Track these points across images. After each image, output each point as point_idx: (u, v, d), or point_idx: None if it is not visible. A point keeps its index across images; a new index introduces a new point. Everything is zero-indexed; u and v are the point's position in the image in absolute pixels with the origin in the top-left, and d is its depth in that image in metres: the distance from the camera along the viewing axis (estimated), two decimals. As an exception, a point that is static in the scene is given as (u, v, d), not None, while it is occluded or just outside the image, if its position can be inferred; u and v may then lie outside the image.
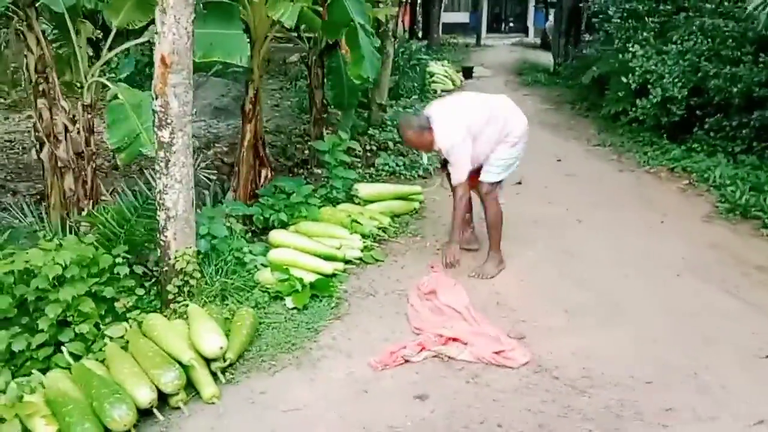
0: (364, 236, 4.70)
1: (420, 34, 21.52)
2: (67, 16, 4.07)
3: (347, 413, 2.95)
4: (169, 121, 3.37)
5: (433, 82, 12.98)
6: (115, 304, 3.40)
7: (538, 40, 26.00)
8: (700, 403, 3.02)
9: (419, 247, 4.83)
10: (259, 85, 5.10)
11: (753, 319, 3.80)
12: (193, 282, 3.63)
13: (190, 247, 3.66)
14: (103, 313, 3.35)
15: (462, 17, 32.76)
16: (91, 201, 4.48)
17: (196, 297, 3.65)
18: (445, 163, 4.48)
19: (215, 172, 5.15)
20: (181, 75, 3.34)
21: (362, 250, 4.52)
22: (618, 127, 8.74)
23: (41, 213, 4.78)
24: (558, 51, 15.10)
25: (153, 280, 3.80)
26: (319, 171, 6.65)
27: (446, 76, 13.67)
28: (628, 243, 4.97)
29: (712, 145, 7.21)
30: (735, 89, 6.97)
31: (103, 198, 4.58)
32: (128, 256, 3.55)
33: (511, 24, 34.93)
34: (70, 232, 4.18)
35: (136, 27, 4.41)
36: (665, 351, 3.48)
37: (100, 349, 3.18)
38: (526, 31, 32.16)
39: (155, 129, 3.41)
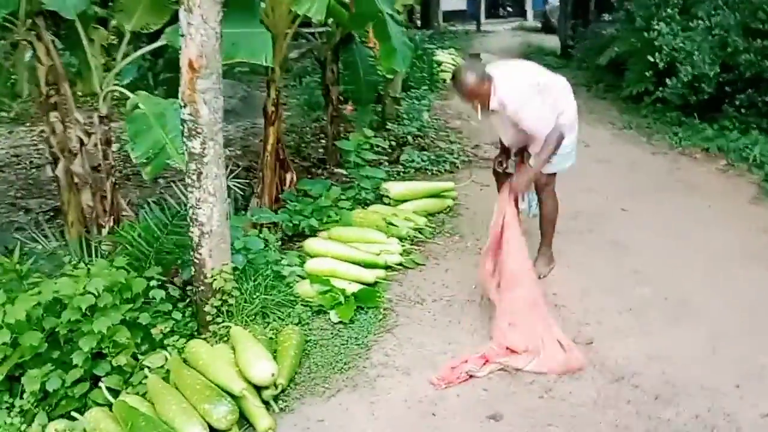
0: (401, 239, 4.45)
1: (419, 23, 21.16)
2: (78, 23, 3.81)
3: (417, 440, 2.70)
4: (199, 130, 3.09)
5: (442, 71, 12.66)
6: (152, 330, 3.14)
7: (538, 24, 25.60)
8: (798, 408, 2.77)
9: (460, 248, 4.56)
10: (282, 85, 4.82)
11: (831, 310, 3.55)
12: (231, 301, 3.38)
13: (227, 264, 3.40)
14: (138, 341, 3.10)
15: (460, 4, 32.29)
16: (112, 217, 4.24)
17: (236, 317, 3.39)
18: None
19: (245, 181, 4.87)
20: (211, 79, 3.06)
21: (402, 255, 4.26)
22: (641, 108, 8.45)
23: (57, 231, 4.55)
24: (564, 33, 14.76)
25: (187, 301, 3.54)
26: (341, 170, 6.39)
27: (454, 65, 13.36)
28: (677, 231, 4.70)
29: (745, 122, 6.93)
30: (767, 63, 6.69)
31: (124, 214, 4.33)
32: (162, 278, 3.30)
33: (509, 9, 34.50)
34: (91, 252, 3.94)
35: (151, 30, 4.14)
36: (746, 350, 3.22)
37: (140, 382, 2.93)
38: (524, 15, 31.75)
39: (184, 139, 3.14)
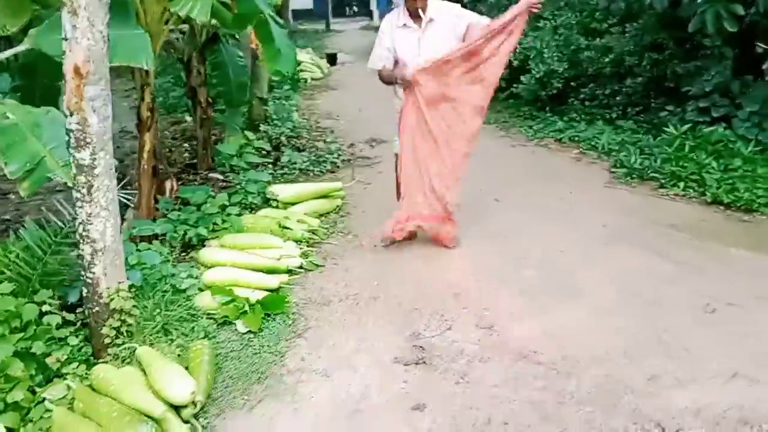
0: (297, 242, 4.43)
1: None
2: None
3: (348, 439, 2.73)
4: (88, 140, 2.88)
5: (301, 71, 12.64)
6: (47, 360, 2.88)
7: (386, 23, 26.17)
8: (677, 367, 3.14)
9: (355, 246, 4.63)
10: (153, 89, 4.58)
11: (688, 278, 4.05)
12: (131, 321, 3.17)
13: (123, 282, 3.19)
14: (33, 372, 2.82)
15: (306, 3, 32.31)
16: (-26, 240, 3.80)
17: (137, 336, 3.19)
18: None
19: (134, 191, 4.56)
20: (99, 86, 2.86)
21: (301, 257, 4.24)
22: (496, 104, 9.01)
23: None
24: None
25: (77, 325, 3.26)
26: (217, 175, 6.20)
27: (313, 64, 13.41)
28: (548, 217, 5.11)
29: (590, 114, 7.67)
30: (606, 59, 7.46)
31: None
32: (54, 302, 3.03)
33: (355, 8, 35.07)
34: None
35: (9, 32, 3.76)
36: (625, 320, 3.59)
37: (41, 417, 2.68)
38: (370, 15, 32.39)
39: (72, 151, 2.90)
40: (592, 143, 6.86)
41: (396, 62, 4.27)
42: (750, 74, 6.20)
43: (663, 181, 5.66)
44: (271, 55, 4.40)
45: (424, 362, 3.23)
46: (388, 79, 4.30)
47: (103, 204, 3.01)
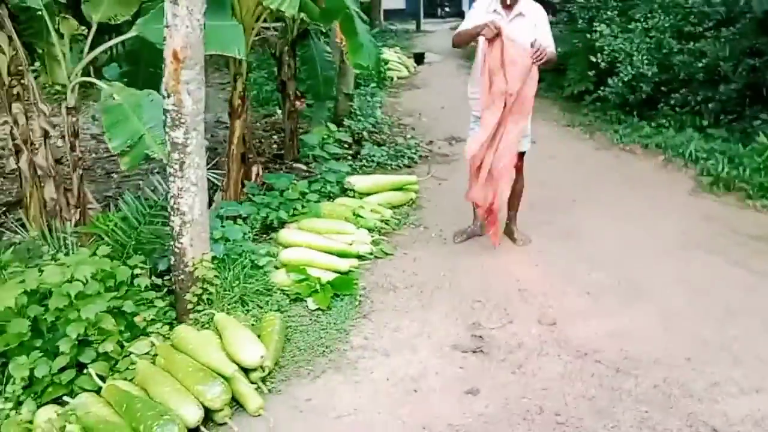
0: (369, 230, 4.60)
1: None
2: (45, 13, 3.77)
3: (403, 414, 2.85)
4: (182, 120, 3.15)
5: (389, 69, 12.85)
6: (135, 318, 3.18)
7: (478, 24, 26.06)
8: (742, 375, 3.08)
9: (426, 238, 4.75)
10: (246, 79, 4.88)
11: (764, 288, 3.91)
12: (212, 289, 3.44)
13: (207, 253, 3.46)
14: (122, 329, 3.12)
15: (398, 3, 32.62)
16: (78, 210, 4.20)
17: (216, 304, 3.46)
18: None
19: (221, 171, 4.89)
20: (195, 70, 3.13)
21: (371, 245, 4.40)
22: (582, 107, 8.88)
23: (18, 225, 4.45)
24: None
25: (165, 291, 3.57)
26: (300, 165, 6.48)
27: (400, 63, 13.58)
28: (626, 221, 5.04)
29: (680, 121, 7.41)
30: (699, 64, 7.18)
31: (90, 206, 4.30)
32: (145, 266, 3.33)
33: (447, 9, 35.02)
34: (56, 245, 3.90)
35: (118, 21, 4.13)
36: (693, 326, 3.53)
37: (126, 368, 2.97)
38: (462, 15, 32.21)
39: (167, 129, 3.19)
40: (680, 150, 6.63)
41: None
42: None
43: (750, 191, 5.43)
44: (354, 49, 4.59)
45: (482, 351, 3.31)
46: (468, 35, 4.13)
47: (193, 180, 3.28)
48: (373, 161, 6.36)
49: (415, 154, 6.76)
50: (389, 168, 6.37)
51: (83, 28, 4.06)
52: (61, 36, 3.97)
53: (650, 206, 5.39)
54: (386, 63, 13.07)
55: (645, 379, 3.07)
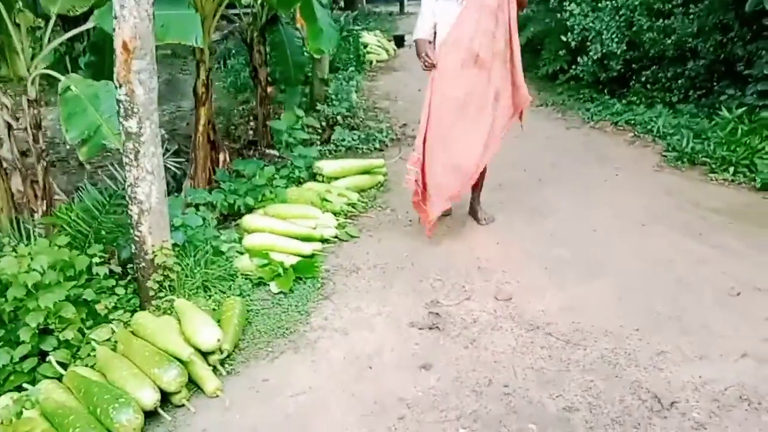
0: (335, 214, 4.66)
1: (343, 4, 21.15)
2: (1, 5, 3.78)
3: (356, 391, 2.94)
4: (135, 110, 3.19)
5: (368, 52, 12.84)
6: (96, 306, 3.24)
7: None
8: (688, 344, 3.18)
9: (391, 220, 4.82)
10: (210, 65, 4.90)
11: (720, 260, 4.01)
12: (173, 276, 3.50)
13: (167, 240, 3.52)
14: (84, 317, 3.19)
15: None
16: (45, 201, 4.24)
17: (178, 291, 3.52)
18: None
19: (176, 163, 4.94)
20: (145, 60, 3.16)
21: (337, 228, 4.47)
22: (557, 86, 8.94)
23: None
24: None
25: (128, 279, 3.63)
26: (273, 151, 6.52)
27: (380, 46, 13.56)
28: (590, 198, 5.12)
29: (650, 97, 7.48)
30: (668, 41, 7.24)
31: (56, 198, 4.34)
32: (104, 255, 3.39)
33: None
34: (23, 236, 3.95)
35: (77, 13, 4.15)
36: (646, 298, 3.62)
37: (88, 355, 3.05)
38: (447, -4, 32.05)
39: (121, 119, 3.23)
40: (649, 126, 6.72)
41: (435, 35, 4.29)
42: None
43: (713, 165, 5.52)
44: (313, 34, 4.63)
45: (437, 327, 3.40)
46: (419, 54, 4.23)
47: (148, 168, 3.33)
48: (343, 145, 6.42)
49: (386, 137, 6.80)
50: (360, 152, 6.42)
51: (40, 20, 4.08)
52: (18, 28, 3.99)
53: (616, 183, 5.48)
54: (365, 46, 13.07)
55: (593, 350, 3.17)
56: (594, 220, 4.69)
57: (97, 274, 3.29)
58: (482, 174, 4.57)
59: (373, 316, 3.54)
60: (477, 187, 4.66)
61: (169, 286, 3.51)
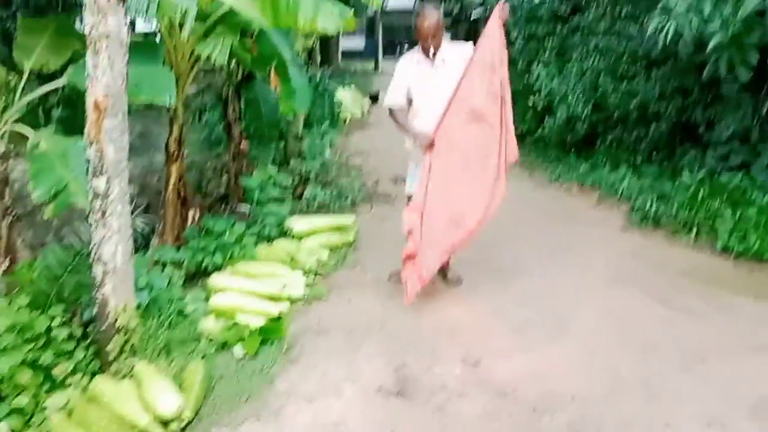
0: (305, 272, 4.63)
1: (319, 61, 21.58)
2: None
3: (321, 461, 2.87)
4: (104, 168, 3.17)
5: (343, 109, 13.03)
6: (53, 370, 3.14)
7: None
8: (654, 411, 3.18)
9: (362, 279, 4.81)
10: (184, 122, 4.92)
11: (684, 323, 4.07)
12: (135, 338, 3.41)
13: (131, 301, 3.45)
14: (41, 381, 3.08)
15: (358, 44, 33.25)
16: (8, 258, 4.15)
17: (140, 354, 3.43)
18: None
19: (144, 219, 4.89)
20: (117, 119, 3.17)
21: (306, 287, 4.44)
22: (525, 147, 9.09)
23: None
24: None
25: (89, 341, 3.53)
26: (244, 207, 6.49)
27: (355, 102, 13.79)
28: (557, 258, 5.18)
29: (615, 159, 7.69)
30: (632, 104, 7.50)
31: (20, 255, 4.25)
32: (66, 316, 3.30)
33: (406, 49, 35.77)
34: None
35: (50, 69, 4.16)
36: (613, 362, 3.64)
37: (42, 423, 2.93)
38: (421, 54, 32.89)
39: (89, 178, 3.20)
40: (614, 187, 6.88)
41: (410, 102, 4.38)
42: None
43: (677, 227, 5.66)
44: (287, 94, 4.69)
45: (405, 393, 3.35)
46: (400, 127, 4.36)
47: (115, 228, 3.29)
48: (315, 202, 6.43)
49: (358, 194, 6.85)
50: (332, 208, 6.44)
51: (12, 75, 4.08)
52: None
53: (582, 243, 5.56)
54: (340, 104, 13.27)
55: (560, 416, 3.15)
56: (561, 280, 4.73)
57: (56, 336, 3.19)
58: None
59: (340, 381, 3.48)
60: None
61: (131, 348, 3.42)
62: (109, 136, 3.18)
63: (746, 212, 5.37)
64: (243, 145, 6.91)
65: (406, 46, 35.25)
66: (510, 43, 9.29)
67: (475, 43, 4.18)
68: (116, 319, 3.35)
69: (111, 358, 3.35)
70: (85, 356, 3.38)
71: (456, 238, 4.23)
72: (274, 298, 4.16)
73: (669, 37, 5.35)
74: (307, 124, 10.55)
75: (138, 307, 3.54)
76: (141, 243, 5.27)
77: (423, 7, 4.16)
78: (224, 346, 3.74)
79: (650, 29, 5.56)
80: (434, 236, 4.18)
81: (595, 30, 8.36)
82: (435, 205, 4.17)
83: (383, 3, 16.55)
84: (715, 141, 6.29)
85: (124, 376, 3.28)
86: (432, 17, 4.08)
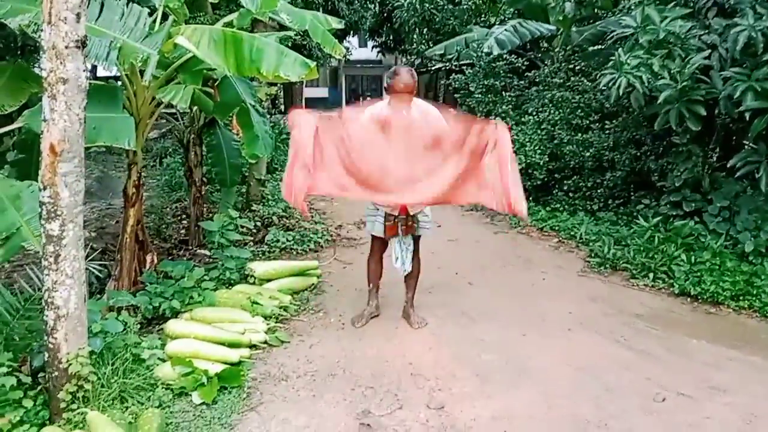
0: (266, 318, 4.56)
1: (283, 108, 21.75)
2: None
3: None
4: (59, 212, 3.10)
5: (305, 155, 13.06)
6: (-1, 421, 2.99)
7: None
8: (617, 453, 3.19)
9: (324, 324, 4.75)
10: (143, 166, 4.87)
11: (644, 366, 4.11)
12: (88, 386, 3.29)
13: (84, 348, 3.33)
14: (-16, 433, 2.93)
15: (321, 92, 33.76)
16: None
17: (93, 402, 3.30)
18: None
19: (101, 263, 4.77)
20: (73, 163, 3.11)
21: (267, 333, 4.36)
22: (486, 192, 9.29)
23: None
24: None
25: (38, 389, 3.38)
26: (204, 251, 6.41)
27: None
28: (518, 302, 5.23)
29: (573, 205, 7.90)
30: (587, 153, 7.77)
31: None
32: (13, 364, 3.16)
33: (369, 97, 36.47)
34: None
35: (5, 112, 4.10)
36: (574, 406, 3.64)
37: (-16, 478, 2.77)
38: (384, 103, 33.51)
39: (42, 221, 3.12)
40: (572, 233, 7.05)
41: None
42: (722, 171, 6.45)
43: (634, 271, 5.79)
44: (249, 140, 4.71)
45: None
46: None
47: (68, 273, 3.20)
48: (276, 246, 6.39)
49: (321, 238, 6.83)
50: (295, 253, 6.40)
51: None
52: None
53: (543, 287, 5.63)
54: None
55: (525, 462, 3.13)
56: (522, 324, 4.76)
57: (3, 385, 3.05)
58: (414, 276, 4.62)
59: (302, 429, 3.39)
60: (409, 289, 4.70)
61: (83, 397, 3.28)
62: (64, 180, 3.11)
63: (700, 256, 5.54)
64: (203, 190, 6.87)
65: (369, 96, 36.15)
66: (469, 95, 9.61)
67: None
68: (68, 367, 3.23)
69: (62, 407, 3.22)
70: (34, 405, 3.24)
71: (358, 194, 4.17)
72: (233, 344, 4.07)
73: (621, 90, 5.59)
74: (270, 169, 10.57)
75: (91, 353, 3.41)
76: (97, 288, 5.13)
77: (403, 69, 4.26)
78: (181, 393, 3.62)
79: (603, 83, 5.79)
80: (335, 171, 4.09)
81: (551, 84, 8.69)
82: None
83: (346, 54, 16.94)
84: (669, 188, 6.51)
85: (75, 426, 3.15)
86: (408, 77, 4.16)
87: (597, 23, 8.87)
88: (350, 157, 4.07)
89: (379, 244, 4.65)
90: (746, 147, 6.12)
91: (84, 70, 3.14)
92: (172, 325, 4.21)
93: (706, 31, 5.86)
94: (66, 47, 3.02)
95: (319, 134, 4.01)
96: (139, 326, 4.30)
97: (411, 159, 4.12)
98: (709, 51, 5.64)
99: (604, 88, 5.94)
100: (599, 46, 8.08)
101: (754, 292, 5.11)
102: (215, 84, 4.63)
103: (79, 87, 3.07)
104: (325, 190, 4.22)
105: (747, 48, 5.21)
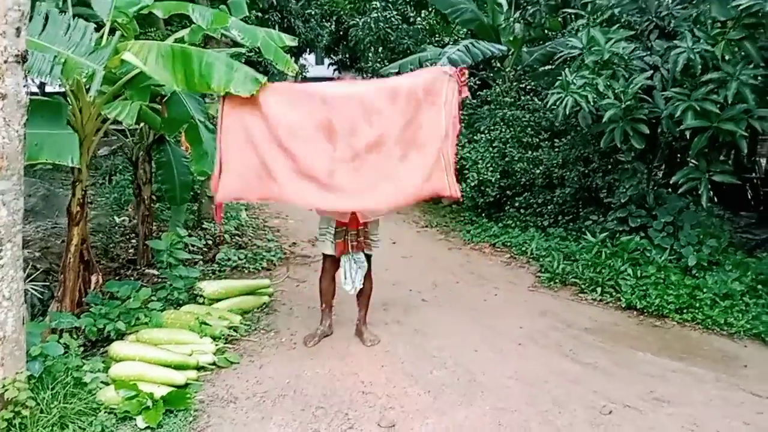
0: (215, 338, 4.47)
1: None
2: None
3: None
4: (-5, 232, 3.00)
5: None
6: (-74, 452, 2.84)
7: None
8: (565, 467, 3.23)
9: (275, 343, 4.68)
10: (89, 184, 4.74)
11: (591, 379, 4.19)
12: (25, 412, 3.16)
13: (21, 372, 3.21)
14: None
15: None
16: None
17: (30, 429, 3.18)
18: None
19: (44, 284, 4.61)
20: (11, 181, 3.02)
21: (215, 354, 4.27)
22: (440, 209, 9.42)
23: None
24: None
25: (-28, 417, 3.24)
26: (153, 271, 6.27)
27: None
28: (470, 317, 5.27)
29: (524, 221, 8.03)
30: (537, 171, 7.92)
31: None
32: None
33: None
34: None
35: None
36: (524, 420, 3.68)
37: None
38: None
39: (-22, 242, 3.01)
40: (523, 248, 7.16)
41: None
42: (666, 188, 6.66)
43: (583, 286, 5.91)
44: (198, 157, 4.64)
45: None
46: None
47: (6, 294, 3.09)
48: (228, 265, 6.30)
49: (274, 256, 6.77)
50: (247, 271, 6.32)
51: None
52: None
53: (494, 303, 5.69)
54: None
55: (475, 478, 3.13)
56: (474, 340, 4.79)
57: (-69, 415, 2.91)
58: (367, 294, 4.62)
59: (250, 451, 3.34)
60: (362, 307, 4.69)
61: (20, 423, 3.16)
62: (2, 199, 3.03)
63: (646, 271, 5.69)
64: (152, 208, 6.73)
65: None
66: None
67: None
68: (4, 392, 3.11)
69: (-4, 436, 3.09)
70: (-35, 435, 3.10)
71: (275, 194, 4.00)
72: (180, 366, 3.98)
73: (568, 109, 5.73)
74: (223, 188, 10.43)
75: (30, 378, 3.30)
76: (39, 309, 4.95)
77: (344, 75, 4.30)
78: (125, 417, 3.52)
79: (551, 102, 5.93)
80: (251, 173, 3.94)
81: (502, 102, 8.86)
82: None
83: (302, 71, 16.96)
84: (615, 205, 6.68)
85: (9, 456, 3.02)
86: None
87: (546, 44, 9.09)
88: (277, 136, 3.85)
89: (331, 263, 4.63)
90: (689, 164, 6.34)
91: (24, 86, 3.07)
92: (116, 348, 4.09)
93: (649, 52, 6.07)
94: (5, 62, 2.94)
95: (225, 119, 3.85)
96: (82, 349, 4.16)
97: (357, 130, 3.92)
98: (652, 72, 5.84)
99: (552, 107, 6.08)
100: (548, 67, 8.28)
101: (697, 304, 5.26)
102: (163, 100, 4.57)
103: (19, 103, 2.99)
104: (236, 194, 4.08)
105: (687, 69, 5.42)
